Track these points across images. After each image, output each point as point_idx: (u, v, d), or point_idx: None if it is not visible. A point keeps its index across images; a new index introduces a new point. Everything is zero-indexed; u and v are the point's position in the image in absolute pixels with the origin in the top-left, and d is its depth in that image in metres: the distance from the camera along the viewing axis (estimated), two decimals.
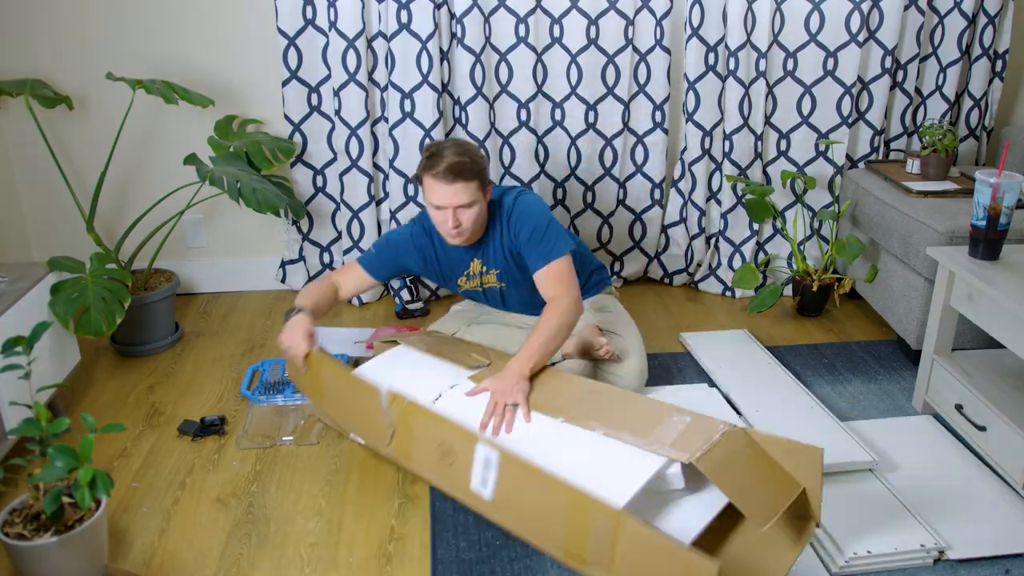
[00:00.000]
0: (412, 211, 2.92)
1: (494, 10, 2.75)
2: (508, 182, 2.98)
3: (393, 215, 2.93)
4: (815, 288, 2.85)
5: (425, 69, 2.72)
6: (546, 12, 2.79)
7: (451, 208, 2.07)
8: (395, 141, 2.83)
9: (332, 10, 2.68)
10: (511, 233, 2.20)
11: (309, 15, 2.74)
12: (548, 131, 2.94)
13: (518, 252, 2.22)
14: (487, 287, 2.36)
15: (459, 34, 2.72)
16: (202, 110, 2.82)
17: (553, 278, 2.14)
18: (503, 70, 2.83)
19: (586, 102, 2.91)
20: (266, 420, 2.30)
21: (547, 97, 2.89)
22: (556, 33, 2.81)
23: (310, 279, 3.09)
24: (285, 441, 2.20)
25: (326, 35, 2.76)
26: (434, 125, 2.79)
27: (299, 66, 2.79)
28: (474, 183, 2.07)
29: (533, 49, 2.80)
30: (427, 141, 2.80)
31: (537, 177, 2.97)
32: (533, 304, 2.30)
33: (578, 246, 2.43)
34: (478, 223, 2.16)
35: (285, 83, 2.81)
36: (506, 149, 2.94)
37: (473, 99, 2.80)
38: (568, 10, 2.78)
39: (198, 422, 2.26)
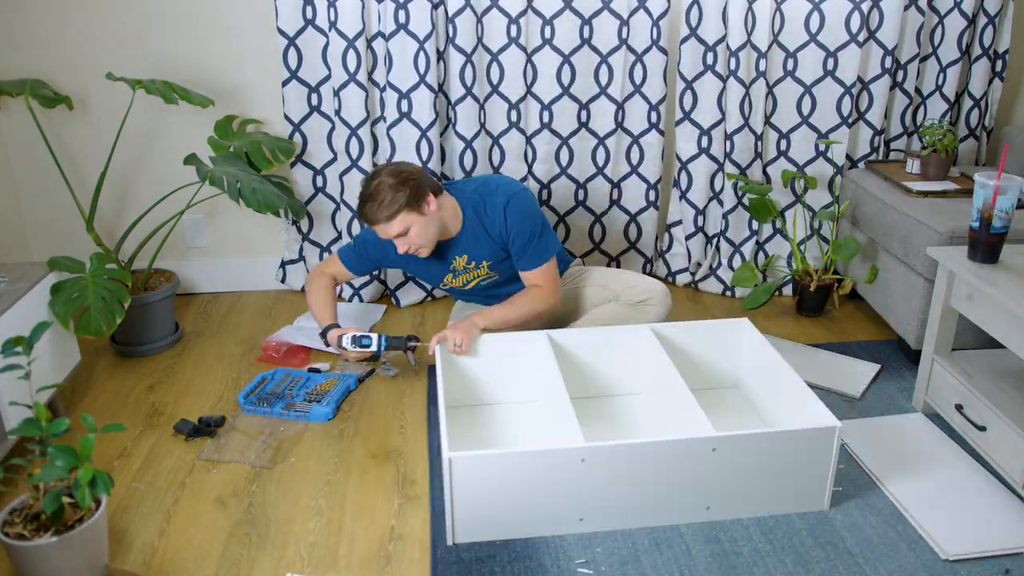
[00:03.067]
0: None
1: (486, 10, 2.75)
2: None
3: None
4: (812, 288, 2.86)
5: (422, 69, 2.72)
6: (537, 13, 2.79)
7: (394, 240, 2.25)
8: (392, 141, 2.83)
9: (332, 10, 2.68)
10: (504, 231, 2.31)
11: (309, 15, 2.74)
12: (537, 132, 2.94)
13: (508, 247, 2.35)
14: (479, 281, 2.44)
15: (451, 34, 2.73)
16: (202, 110, 2.82)
17: (540, 279, 2.36)
18: (494, 70, 2.83)
19: (578, 101, 2.91)
20: (253, 427, 2.27)
21: (536, 98, 2.89)
22: (547, 34, 2.81)
23: None
24: (240, 460, 2.12)
25: (326, 35, 2.76)
26: (431, 125, 2.79)
27: (299, 66, 2.79)
28: (396, 217, 2.19)
29: (523, 50, 2.80)
30: (423, 141, 2.81)
31: (525, 178, 2.98)
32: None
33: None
34: (431, 235, 2.26)
35: (285, 83, 2.81)
36: (496, 150, 2.94)
37: (463, 99, 2.80)
38: (561, 10, 2.78)
39: (194, 422, 2.26)
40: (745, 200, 3.01)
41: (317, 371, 2.52)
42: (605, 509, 1.83)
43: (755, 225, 3.05)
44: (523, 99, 2.87)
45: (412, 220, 2.21)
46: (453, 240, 2.36)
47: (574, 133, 2.95)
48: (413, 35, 2.68)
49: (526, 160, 2.97)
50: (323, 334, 2.42)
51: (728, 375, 2.41)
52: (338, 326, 2.43)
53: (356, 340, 2.37)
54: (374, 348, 2.38)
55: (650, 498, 1.84)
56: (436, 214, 2.26)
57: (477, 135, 2.87)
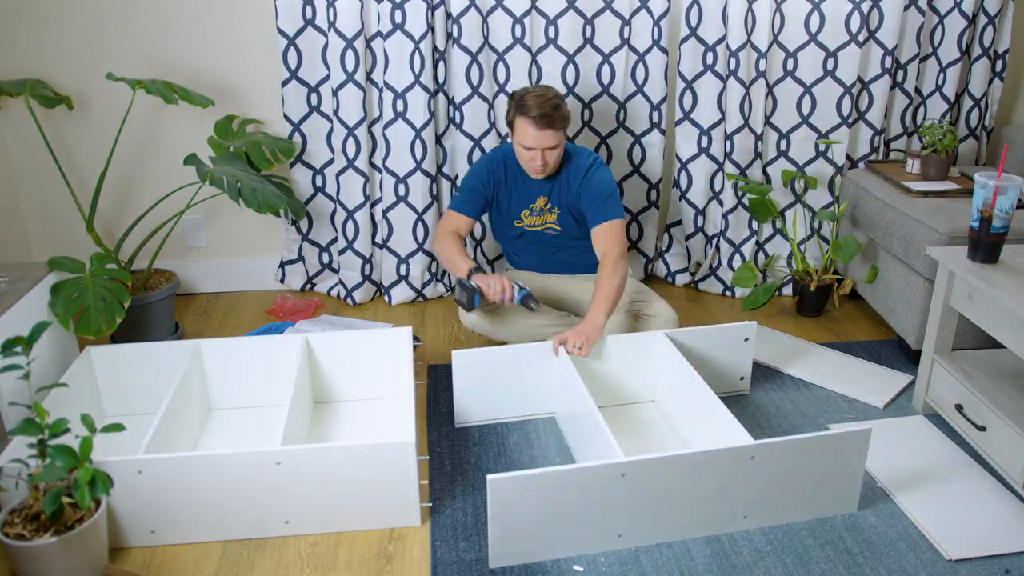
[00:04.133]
0: (404, 211, 2.92)
1: (491, 10, 2.75)
2: None
3: (385, 215, 2.94)
4: (812, 288, 2.85)
5: (417, 69, 2.72)
6: (541, 12, 2.79)
7: (539, 149, 2.36)
8: (387, 141, 2.83)
9: (331, 10, 2.68)
10: (582, 186, 2.47)
11: (309, 15, 2.74)
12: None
13: (579, 207, 2.49)
14: (545, 227, 2.56)
15: (455, 34, 2.73)
16: (202, 110, 2.82)
17: (610, 233, 2.41)
18: (500, 70, 2.83)
19: (582, 101, 2.91)
20: None
21: None
22: (551, 34, 2.81)
23: (309, 279, 3.10)
24: None
25: (325, 35, 2.76)
26: (424, 125, 2.79)
27: (299, 66, 2.79)
28: (562, 130, 2.37)
29: (528, 49, 2.80)
30: (417, 141, 2.81)
31: None
32: (575, 265, 2.66)
33: None
34: (559, 160, 2.46)
35: (285, 83, 2.81)
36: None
37: (468, 98, 2.81)
38: (564, 10, 2.78)
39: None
40: (745, 200, 3.01)
41: None
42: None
43: (755, 225, 3.05)
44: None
45: (563, 139, 2.41)
46: (548, 178, 2.51)
47: (578, 132, 2.95)
48: (409, 35, 2.68)
49: None
50: (468, 276, 2.42)
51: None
52: (481, 270, 2.46)
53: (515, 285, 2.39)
54: (517, 298, 2.37)
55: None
56: (562, 147, 2.44)
57: (487, 133, 2.88)
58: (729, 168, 2.96)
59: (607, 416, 2.29)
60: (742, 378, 2.40)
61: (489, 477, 1.67)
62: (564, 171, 2.50)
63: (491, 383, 2.26)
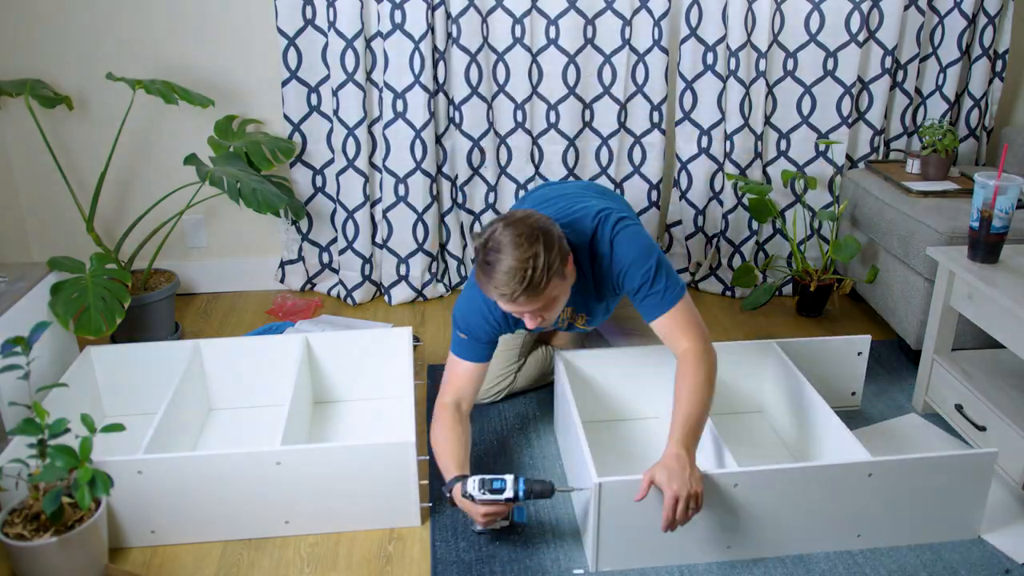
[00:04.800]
0: (404, 212, 2.92)
1: (491, 10, 2.75)
2: (507, 183, 2.99)
3: (385, 215, 2.94)
4: (812, 288, 2.85)
5: (417, 69, 2.72)
6: (542, 13, 2.79)
7: (526, 313, 1.76)
8: (387, 141, 2.83)
9: (331, 10, 2.68)
10: (613, 282, 1.88)
11: (309, 15, 2.74)
12: (544, 132, 2.94)
13: (617, 294, 1.96)
14: (572, 325, 2.10)
15: (454, 34, 2.73)
16: (202, 110, 2.82)
17: (677, 328, 1.83)
18: (500, 70, 2.83)
19: (583, 101, 2.91)
20: None
21: (542, 98, 2.89)
22: (552, 34, 2.81)
23: (309, 279, 3.10)
24: None
25: (325, 35, 2.76)
26: (425, 125, 2.79)
27: (299, 66, 2.79)
28: (546, 290, 1.69)
29: (528, 50, 2.80)
30: (417, 141, 2.81)
31: (532, 179, 2.98)
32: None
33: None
34: (567, 296, 1.82)
35: (285, 83, 2.81)
36: (503, 149, 2.94)
37: (468, 98, 2.80)
38: (565, 10, 2.78)
39: None
40: (745, 200, 3.01)
41: None
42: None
43: (755, 225, 3.05)
44: (528, 99, 2.87)
45: (560, 290, 1.76)
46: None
47: (579, 133, 2.95)
48: (409, 35, 2.68)
49: (533, 161, 2.97)
50: (448, 489, 1.79)
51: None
52: (466, 477, 1.77)
53: (486, 484, 1.72)
54: (509, 494, 1.71)
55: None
56: (573, 275, 1.82)
57: (485, 134, 2.88)
58: (729, 168, 2.96)
59: (717, 424, 2.05)
60: (853, 393, 2.32)
61: (601, 480, 1.63)
62: (582, 275, 1.89)
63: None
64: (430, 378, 2.51)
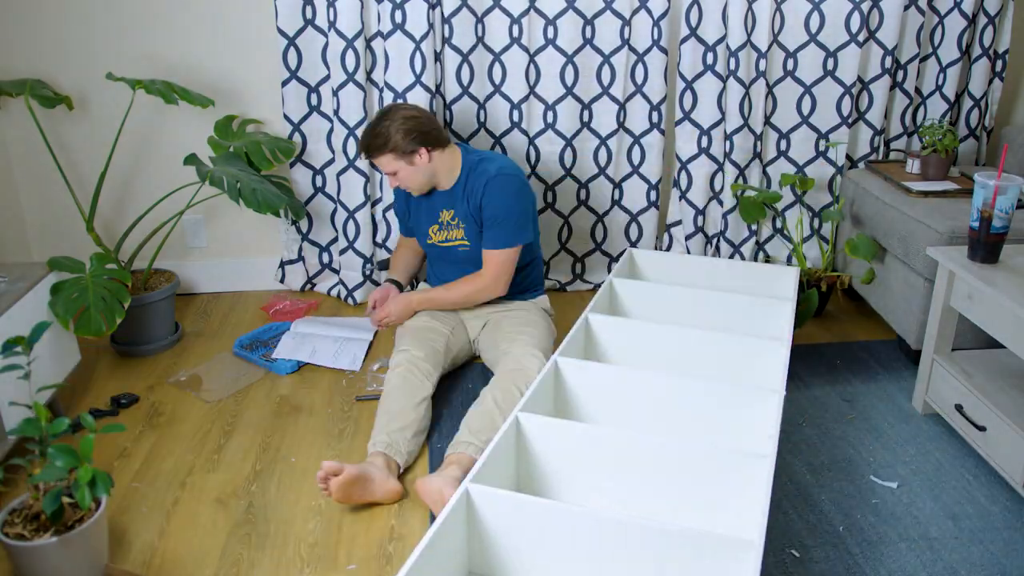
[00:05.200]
0: None
1: (488, 10, 2.75)
2: None
3: (385, 214, 2.94)
4: (823, 287, 2.84)
5: (418, 69, 2.72)
6: (540, 13, 2.79)
7: (385, 173, 2.35)
8: None
9: (331, 10, 2.68)
10: (479, 199, 2.33)
11: (309, 15, 2.74)
12: (540, 132, 2.94)
13: (479, 219, 2.37)
14: (456, 244, 2.44)
15: (446, 34, 2.73)
16: (202, 110, 2.82)
17: (492, 263, 2.35)
18: (496, 70, 2.83)
19: (581, 101, 2.91)
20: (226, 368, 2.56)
21: (539, 98, 2.89)
22: (550, 34, 2.81)
23: (309, 279, 3.10)
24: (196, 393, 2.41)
25: (325, 35, 2.76)
26: None
27: (299, 66, 2.79)
28: (387, 155, 2.26)
29: (526, 50, 2.80)
30: None
31: (528, 178, 2.97)
32: None
33: (535, 238, 2.50)
34: (418, 181, 2.34)
35: (285, 83, 2.81)
36: (497, 150, 2.94)
37: (458, 98, 2.81)
38: (564, 11, 2.78)
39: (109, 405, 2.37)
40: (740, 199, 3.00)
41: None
42: None
43: (755, 225, 3.05)
44: (526, 99, 2.87)
45: (399, 167, 2.29)
46: (447, 192, 2.40)
47: (577, 133, 2.95)
48: (409, 35, 2.68)
49: (528, 160, 2.97)
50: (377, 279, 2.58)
51: None
52: (398, 286, 2.55)
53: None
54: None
55: None
56: (427, 167, 2.32)
57: (475, 133, 2.87)
58: (730, 168, 2.96)
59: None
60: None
61: None
62: (467, 181, 2.36)
63: None
64: None
